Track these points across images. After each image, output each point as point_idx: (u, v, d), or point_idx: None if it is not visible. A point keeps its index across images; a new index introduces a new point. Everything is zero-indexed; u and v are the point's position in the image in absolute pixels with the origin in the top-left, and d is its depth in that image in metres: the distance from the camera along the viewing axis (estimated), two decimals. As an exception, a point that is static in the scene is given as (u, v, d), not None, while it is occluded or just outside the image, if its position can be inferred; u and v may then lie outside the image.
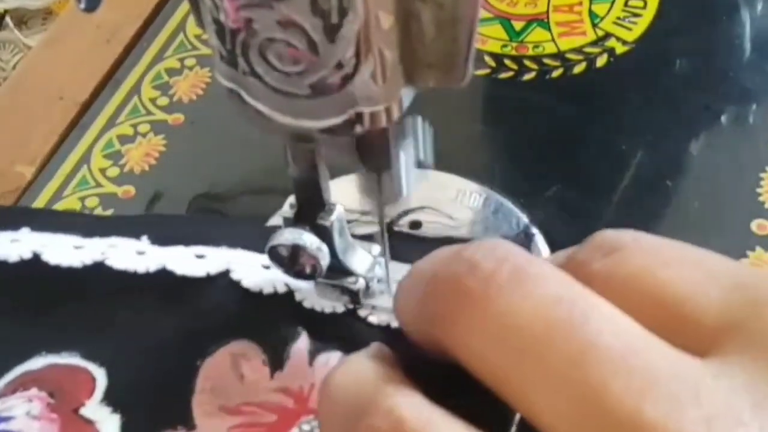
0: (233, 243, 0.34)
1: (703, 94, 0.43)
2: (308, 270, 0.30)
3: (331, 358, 0.30)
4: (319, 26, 0.21)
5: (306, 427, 0.29)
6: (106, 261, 0.34)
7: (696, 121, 0.42)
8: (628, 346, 0.17)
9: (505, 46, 0.46)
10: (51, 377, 0.32)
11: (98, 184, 0.42)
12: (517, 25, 0.47)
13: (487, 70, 0.45)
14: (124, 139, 0.44)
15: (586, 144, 0.41)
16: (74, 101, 0.47)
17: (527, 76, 0.44)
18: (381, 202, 0.29)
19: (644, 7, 0.47)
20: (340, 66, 0.22)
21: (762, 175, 0.39)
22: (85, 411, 0.31)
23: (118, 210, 0.41)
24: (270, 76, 0.23)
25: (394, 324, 0.31)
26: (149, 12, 0.51)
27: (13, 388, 0.31)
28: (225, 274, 0.33)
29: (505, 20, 0.47)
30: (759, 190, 0.38)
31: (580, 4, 0.47)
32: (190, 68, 0.47)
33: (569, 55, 0.45)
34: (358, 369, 0.21)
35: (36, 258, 0.35)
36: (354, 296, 0.32)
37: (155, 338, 0.32)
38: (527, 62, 0.45)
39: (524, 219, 0.37)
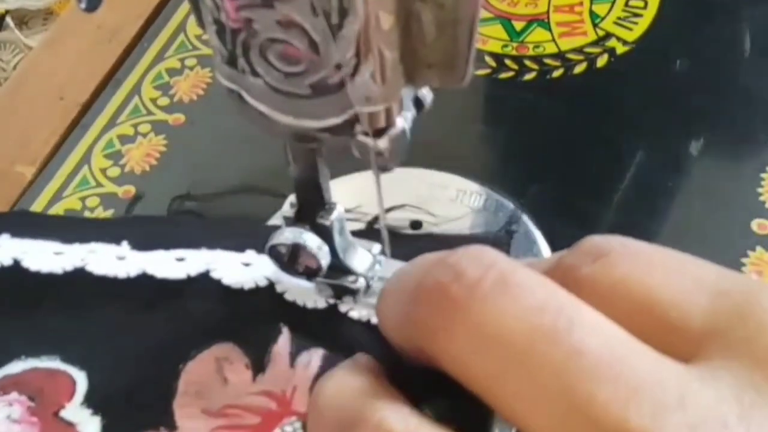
0: (213, 244, 0.35)
1: (704, 94, 0.43)
2: (309, 269, 0.30)
3: (313, 357, 0.30)
4: (320, 26, 0.21)
5: (288, 428, 0.29)
6: (87, 267, 0.34)
7: (696, 120, 0.42)
8: (613, 353, 0.17)
9: (505, 46, 0.46)
10: (31, 381, 0.32)
11: (99, 184, 0.42)
12: (518, 25, 0.47)
13: (488, 70, 0.45)
14: (124, 139, 0.44)
15: (587, 144, 0.41)
16: (75, 101, 0.47)
17: (528, 76, 0.44)
18: (382, 199, 0.29)
19: (645, 8, 0.47)
20: (340, 66, 0.22)
21: (762, 174, 0.39)
22: (65, 414, 0.31)
23: (118, 210, 0.41)
24: (270, 76, 0.23)
25: (374, 320, 0.31)
26: (150, 12, 0.51)
27: None
28: (205, 275, 0.34)
29: (506, 20, 0.47)
30: (759, 189, 0.38)
31: (581, 4, 0.47)
32: (191, 68, 0.47)
33: (570, 55, 0.45)
34: (346, 382, 0.22)
35: (16, 264, 0.35)
36: (338, 292, 0.32)
37: (136, 342, 0.33)
38: (528, 62, 0.45)
39: (524, 219, 0.37)
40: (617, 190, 0.39)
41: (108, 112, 0.45)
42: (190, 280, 0.34)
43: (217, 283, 0.33)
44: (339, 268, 0.31)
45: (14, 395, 0.31)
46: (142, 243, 0.35)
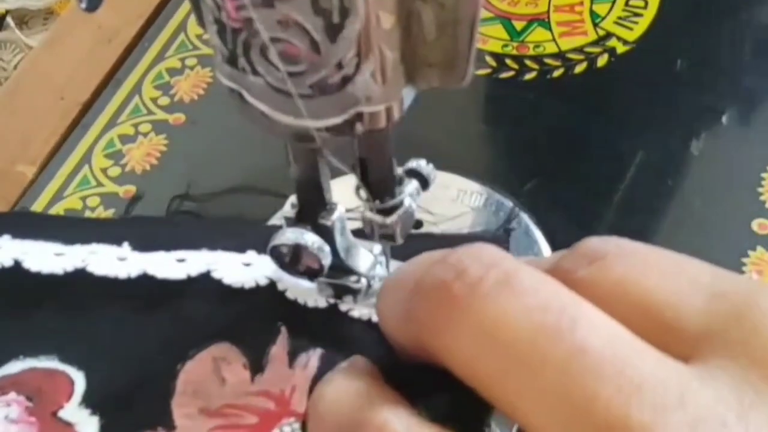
0: (213, 245, 0.35)
1: (704, 93, 0.43)
2: (310, 269, 0.30)
3: (311, 357, 0.30)
4: (321, 26, 0.21)
5: (287, 429, 0.29)
6: (87, 267, 0.34)
7: (697, 120, 0.42)
8: (615, 351, 0.17)
9: (506, 45, 0.46)
10: (29, 381, 0.32)
11: (99, 184, 0.42)
12: (518, 24, 0.47)
13: (488, 70, 0.45)
14: (125, 139, 0.44)
15: (588, 144, 0.41)
16: (75, 101, 0.47)
17: (528, 76, 0.44)
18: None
19: (645, 7, 0.47)
20: (341, 66, 0.22)
21: (763, 174, 0.39)
22: (63, 414, 0.31)
23: (119, 210, 0.41)
24: (271, 76, 0.23)
25: (375, 318, 0.31)
26: (150, 12, 0.51)
27: None
28: (206, 275, 0.34)
29: (506, 20, 0.47)
30: (760, 189, 0.39)
31: (581, 3, 0.47)
32: (191, 68, 0.47)
33: (570, 55, 0.45)
34: (346, 386, 0.22)
35: (17, 265, 0.35)
36: (338, 291, 0.32)
37: (135, 342, 0.33)
38: (528, 62, 0.45)
39: (525, 219, 0.37)
40: (617, 190, 0.39)
41: (108, 111, 0.45)
42: (190, 281, 0.34)
43: (218, 283, 0.33)
44: (340, 268, 0.31)
45: (12, 395, 0.31)
46: (143, 244, 0.35)
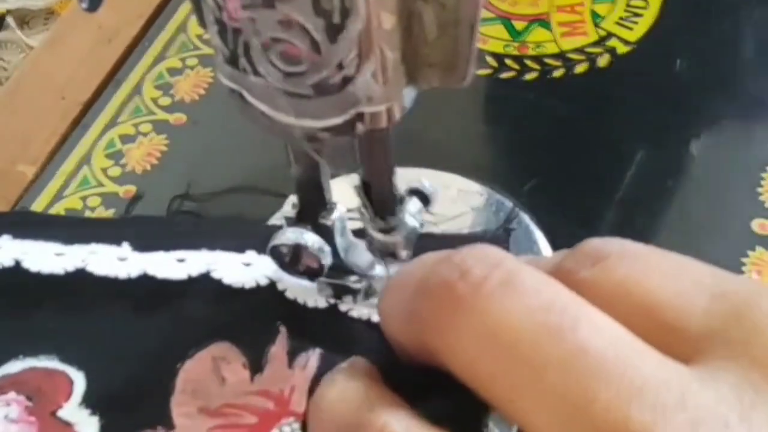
0: (213, 245, 0.35)
1: (704, 93, 0.43)
2: (310, 269, 0.30)
3: (311, 357, 0.30)
4: (321, 26, 0.21)
5: (287, 429, 0.29)
6: (87, 267, 0.34)
7: (697, 120, 0.42)
8: (617, 352, 0.17)
9: (506, 46, 0.46)
10: (29, 380, 0.32)
11: (100, 184, 0.42)
12: (519, 25, 0.47)
13: (489, 70, 0.45)
14: (125, 139, 0.44)
15: (588, 144, 0.41)
16: (76, 101, 0.47)
17: (529, 76, 0.44)
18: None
19: (646, 7, 0.47)
20: (341, 66, 0.22)
21: (762, 174, 0.39)
22: (63, 413, 0.31)
23: (119, 209, 0.41)
24: (272, 76, 0.23)
25: (374, 318, 0.32)
26: (151, 12, 0.51)
27: None
28: (206, 275, 0.34)
29: (507, 20, 0.47)
30: (759, 189, 0.39)
31: (582, 4, 0.47)
32: (192, 68, 0.47)
33: (571, 55, 0.45)
34: (347, 388, 0.22)
35: (17, 265, 0.35)
36: (338, 291, 0.32)
37: (135, 342, 0.33)
38: (529, 62, 0.45)
39: (526, 219, 0.37)
40: (618, 190, 0.39)
41: (109, 111, 0.45)
42: (191, 281, 0.34)
43: (218, 283, 0.33)
44: (341, 268, 0.31)
45: (12, 395, 0.31)
46: (143, 244, 0.35)
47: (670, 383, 0.17)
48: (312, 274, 0.31)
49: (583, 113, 0.43)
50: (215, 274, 0.34)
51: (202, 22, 0.24)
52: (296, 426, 0.29)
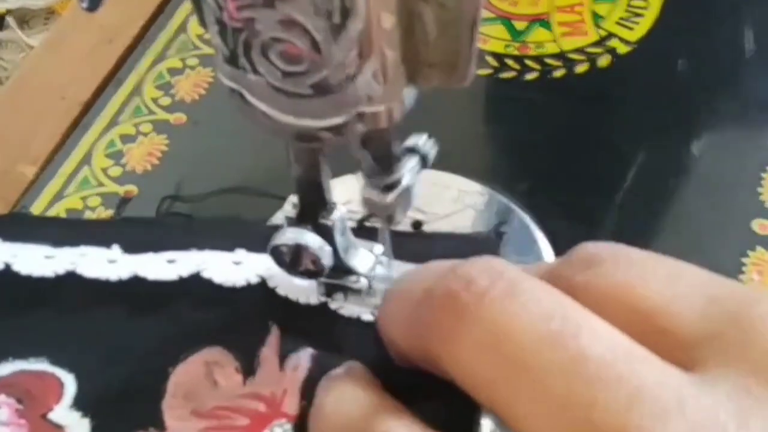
0: (202, 245, 0.35)
1: (705, 93, 0.43)
2: (311, 269, 0.30)
3: (301, 359, 0.31)
4: (322, 26, 0.21)
5: (278, 430, 0.29)
6: (77, 270, 0.34)
7: (698, 120, 0.42)
8: (616, 359, 0.17)
9: (507, 46, 0.46)
10: (19, 383, 0.32)
11: (100, 184, 0.42)
12: (519, 25, 0.47)
13: (489, 70, 0.45)
14: (126, 139, 0.44)
15: (589, 144, 0.41)
16: (76, 101, 0.47)
17: (529, 76, 0.44)
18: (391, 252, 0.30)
19: (646, 8, 0.47)
20: (342, 66, 0.22)
21: (763, 174, 0.39)
22: (53, 416, 0.31)
23: (120, 210, 0.41)
24: (272, 76, 0.23)
25: (365, 317, 0.32)
26: (151, 12, 0.51)
27: None
28: (196, 275, 0.34)
29: (507, 20, 0.47)
30: (760, 189, 0.38)
31: (582, 4, 0.47)
32: (192, 68, 0.47)
33: (571, 55, 0.45)
34: (348, 396, 0.22)
35: (7, 268, 0.35)
36: (329, 289, 0.32)
37: (126, 344, 0.33)
38: (529, 62, 0.45)
39: (526, 219, 0.37)
40: (619, 190, 0.39)
41: (109, 111, 0.45)
42: (181, 282, 0.34)
43: (208, 283, 0.33)
44: (341, 268, 0.31)
45: (2, 397, 0.31)
46: (133, 246, 0.35)
47: (668, 389, 0.17)
48: (312, 274, 0.31)
49: (583, 113, 0.43)
50: (205, 274, 0.34)
51: (203, 22, 0.24)
52: (288, 427, 0.29)
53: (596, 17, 0.47)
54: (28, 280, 0.34)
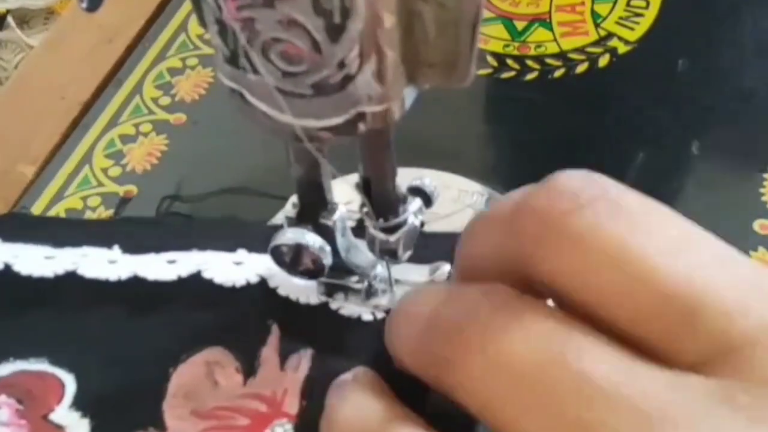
0: (203, 246, 0.35)
1: (705, 93, 0.43)
2: (311, 270, 0.30)
3: (302, 359, 0.31)
4: (322, 26, 0.21)
5: (279, 430, 0.29)
6: (78, 270, 0.35)
7: (698, 120, 0.42)
8: (619, 378, 0.17)
9: (507, 45, 0.46)
10: (19, 383, 0.32)
11: (100, 184, 0.42)
12: (519, 24, 0.47)
13: (489, 70, 0.45)
14: (126, 139, 0.44)
15: (589, 144, 0.41)
16: (76, 101, 0.47)
17: (529, 76, 0.44)
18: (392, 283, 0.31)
19: (646, 7, 0.47)
20: (342, 66, 0.22)
21: (764, 174, 0.39)
22: (54, 416, 0.31)
23: (120, 209, 0.41)
24: (272, 76, 0.23)
25: (365, 317, 0.32)
26: (151, 12, 0.51)
27: None
28: (196, 275, 0.34)
29: (507, 20, 0.47)
30: (761, 190, 0.38)
31: (583, 4, 0.47)
32: (192, 68, 0.47)
33: (571, 55, 0.45)
34: (363, 405, 0.22)
35: (7, 269, 0.35)
36: (329, 289, 0.32)
37: (126, 344, 0.33)
38: (529, 62, 0.45)
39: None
40: (619, 190, 0.39)
41: (109, 111, 0.45)
42: (181, 282, 0.34)
43: (209, 283, 0.34)
44: (341, 268, 0.31)
45: (2, 398, 0.31)
46: (134, 246, 0.35)
47: (676, 404, 0.16)
48: (313, 274, 0.31)
49: (583, 113, 0.43)
50: (206, 274, 0.34)
51: (203, 22, 0.24)
52: (289, 427, 0.29)
53: (596, 17, 0.47)
54: (29, 280, 0.35)
